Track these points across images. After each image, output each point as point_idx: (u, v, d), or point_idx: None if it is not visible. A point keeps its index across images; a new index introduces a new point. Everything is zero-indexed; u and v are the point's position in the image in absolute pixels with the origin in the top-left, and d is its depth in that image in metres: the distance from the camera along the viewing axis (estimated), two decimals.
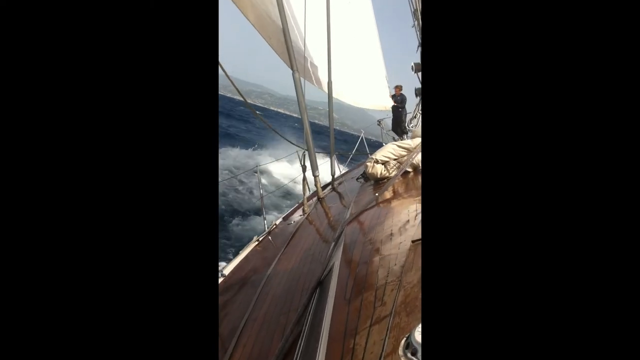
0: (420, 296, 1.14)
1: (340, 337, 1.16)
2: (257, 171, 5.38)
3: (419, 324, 0.90)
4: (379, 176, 3.87)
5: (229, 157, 14.98)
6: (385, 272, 1.46)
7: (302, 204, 4.20)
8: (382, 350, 0.98)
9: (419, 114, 7.26)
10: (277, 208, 9.23)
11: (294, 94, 4.24)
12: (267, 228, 3.83)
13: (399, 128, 8.30)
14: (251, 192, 10.46)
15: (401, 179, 3.47)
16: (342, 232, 2.38)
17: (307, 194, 4.22)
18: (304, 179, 4.26)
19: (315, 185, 4.41)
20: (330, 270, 1.80)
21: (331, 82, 4.85)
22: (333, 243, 2.32)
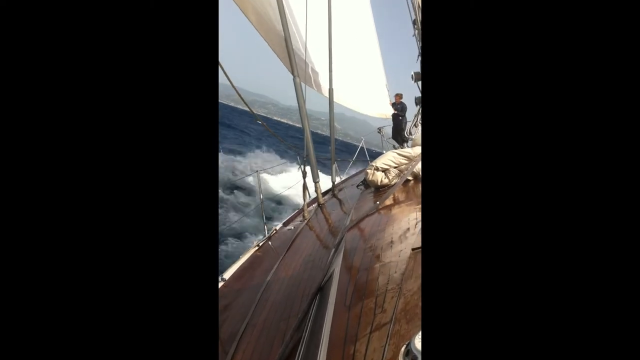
0: (420, 304, 1.14)
1: (340, 343, 1.16)
2: (258, 176, 5.38)
3: (419, 331, 0.90)
4: (379, 183, 3.88)
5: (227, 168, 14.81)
6: (385, 279, 1.46)
7: (302, 210, 4.20)
8: (382, 357, 0.98)
9: (419, 123, 7.30)
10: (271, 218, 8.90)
11: (297, 104, 4.25)
12: (267, 233, 3.82)
13: (399, 136, 8.33)
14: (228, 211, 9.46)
15: (402, 186, 3.48)
16: (342, 239, 2.38)
17: (307, 199, 4.22)
18: (304, 184, 4.26)
19: (316, 191, 4.41)
20: (331, 277, 1.80)
21: (332, 89, 4.88)
22: (333, 249, 2.32)
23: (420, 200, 2.92)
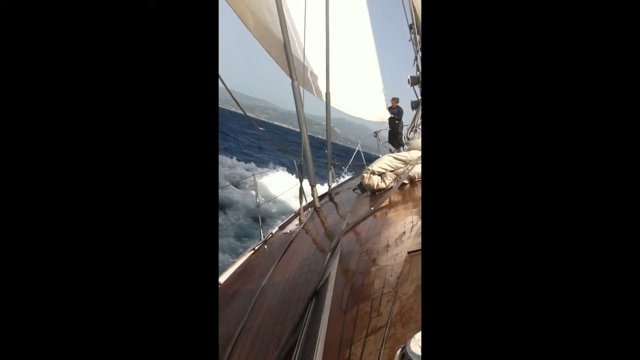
0: (415, 307, 1.15)
1: (335, 347, 1.16)
2: (254, 180, 5.38)
3: (414, 334, 0.91)
4: (375, 187, 3.89)
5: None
6: (381, 283, 1.47)
7: (298, 214, 4.20)
8: None
9: (417, 127, 7.34)
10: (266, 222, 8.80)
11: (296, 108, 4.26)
12: (263, 237, 3.82)
13: (396, 140, 8.36)
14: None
15: (398, 190, 3.49)
16: (338, 242, 2.38)
17: (304, 203, 4.23)
18: (301, 188, 4.27)
19: (312, 195, 4.41)
20: (327, 281, 1.80)
21: (329, 92, 4.89)
22: (329, 253, 2.32)
23: (416, 204, 2.93)
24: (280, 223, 4.50)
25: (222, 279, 2.86)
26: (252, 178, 5.23)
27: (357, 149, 8.41)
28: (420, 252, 1.60)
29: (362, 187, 4.17)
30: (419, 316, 1.09)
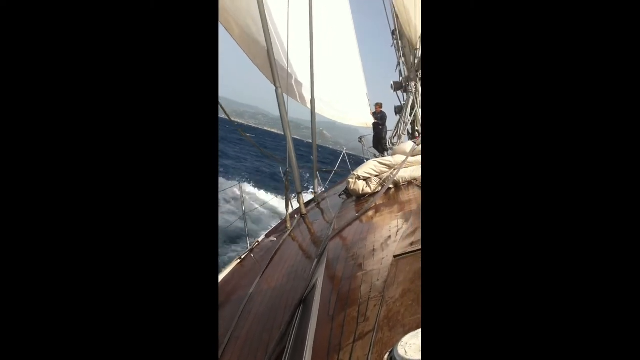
0: (402, 311, 1.16)
1: (324, 353, 1.17)
2: (240, 188, 5.36)
3: (401, 338, 0.92)
4: (361, 192, 3.91)
5: None
6: (368, 287, 1.48)
7: (285, 221, 4.19)
8: None
9: (402, 133, 7.42)
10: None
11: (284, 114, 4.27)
12: (250, 245, 3.80)
13: (380, 145, 8.41)
14: None
15: (383, 195, 3.52)
16: (325, 249, 2.39)
17: (290, 210, 4.22)
18: (287, 195, 4.27)
19: (298, 201, 4.42)
20: (314, 287, 1.81)
21: (314, 99, 4.91)
22: (316, 260, 2.33)
23: (401, 207, 2.96)
24: (266, 231, 4.49)
25: None
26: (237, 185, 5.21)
27: (342, 153, 8.44)
28: (405, 255, 1.61)
29: (348, 192, 4.19)
30: (406, 320, 1.10)
